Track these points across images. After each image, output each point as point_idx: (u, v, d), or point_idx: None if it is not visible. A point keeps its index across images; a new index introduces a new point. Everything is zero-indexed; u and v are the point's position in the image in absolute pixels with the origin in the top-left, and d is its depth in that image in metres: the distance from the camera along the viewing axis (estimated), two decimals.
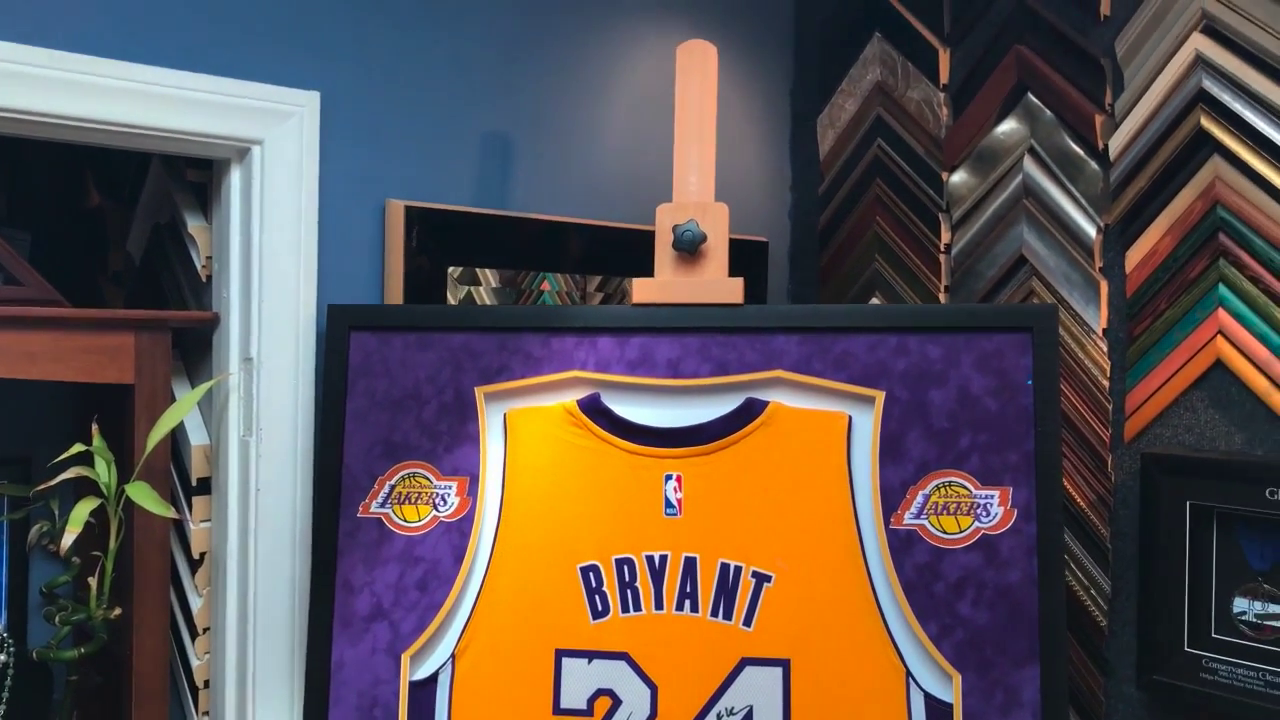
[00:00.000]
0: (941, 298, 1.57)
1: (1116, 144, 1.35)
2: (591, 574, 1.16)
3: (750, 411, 1.17)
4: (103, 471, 1.13)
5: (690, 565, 1.15)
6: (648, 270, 1.26)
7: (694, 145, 1.24)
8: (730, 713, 1.12)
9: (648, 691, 1.14)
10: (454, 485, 1.19)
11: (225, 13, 1.19)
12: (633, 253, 1.48)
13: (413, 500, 1.19)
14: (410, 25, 1.34)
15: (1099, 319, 1.38)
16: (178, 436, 1.29)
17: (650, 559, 1.16)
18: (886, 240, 1.64)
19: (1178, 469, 1.26)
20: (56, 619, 1.18)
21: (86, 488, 1.15)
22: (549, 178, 1.49)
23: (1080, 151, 1.40)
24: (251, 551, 1.22)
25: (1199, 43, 1.26)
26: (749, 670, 1.13)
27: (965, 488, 1.13)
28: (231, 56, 1.19)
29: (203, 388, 1.22)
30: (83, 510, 1.10)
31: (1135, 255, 1.34)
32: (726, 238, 1.22)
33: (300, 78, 1.24)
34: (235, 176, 1.23)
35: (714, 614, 1.14)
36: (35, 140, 1.12)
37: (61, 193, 1.70)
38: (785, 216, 1.83)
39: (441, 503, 1.19)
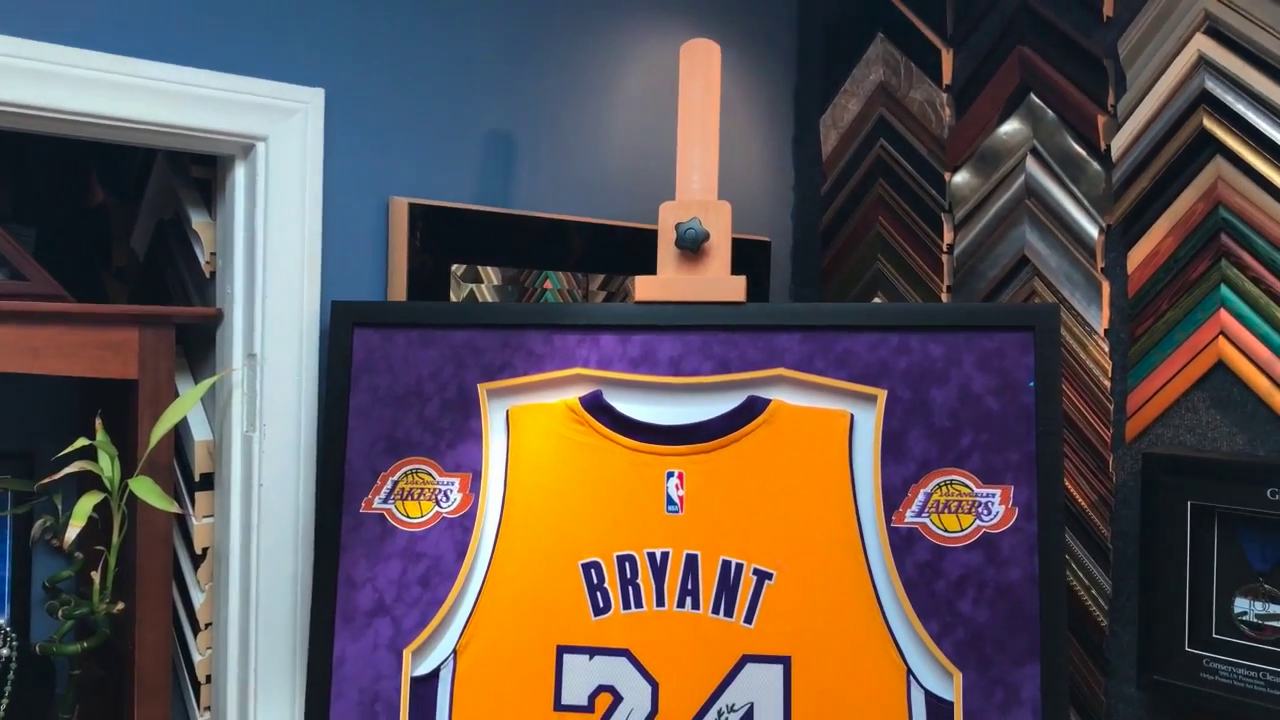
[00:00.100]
0: (944, 298, 1.57)
1: (1119, 145, 1.35)
2: (593, 571, 1.16)
3: (752, 409, 1.18)
4: (106, 466, 1.13)
5: (692, 562, 1.15)
6: (651, 269, 1.26)
7: (697, 144, 1.24)
8: (731, 710, 1.13)
9: (648, 688, 1.14)
10: (456, 481, 1.19)
11: (230, 9, 1.19)
12: (636, 251, 1.49)
13: (415, 496, 1.19)
14: (414, 23, 1.34)
15: (1101, 319, 1.38)
16: (181, 432, 1.30)
17: (652, 556, 1.16)
18: (889, 240, 1.64)
19: (1179, 469, 1.26)
20: (59, 613, 1.18)
21: (90, 483, 1.15)
22: (552, 176, 1.50)
23: (1082, 152, 1.40)
24: (254, 547, 1.22)
25: (1201, 44, 1.26)
26: (750, 667, 1.13)
27: (966, 486, 1.13)
28: (236, 53, 1.19)
29: (206, 383, 1.22)
30: (86, 504, 1.10)
31: (1137, 256, 1.34)
32: (729, 236, 1.23)
33: (305, 74, 1.24)
34: (239, 173, 1.23)
35: (715, 611, 1.14)
36: (40, 136, 1.12)
37: (66, 189, 1.70)
38: (788, 216, 1.83)
39: (444, 499, 1.19)
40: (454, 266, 1.37)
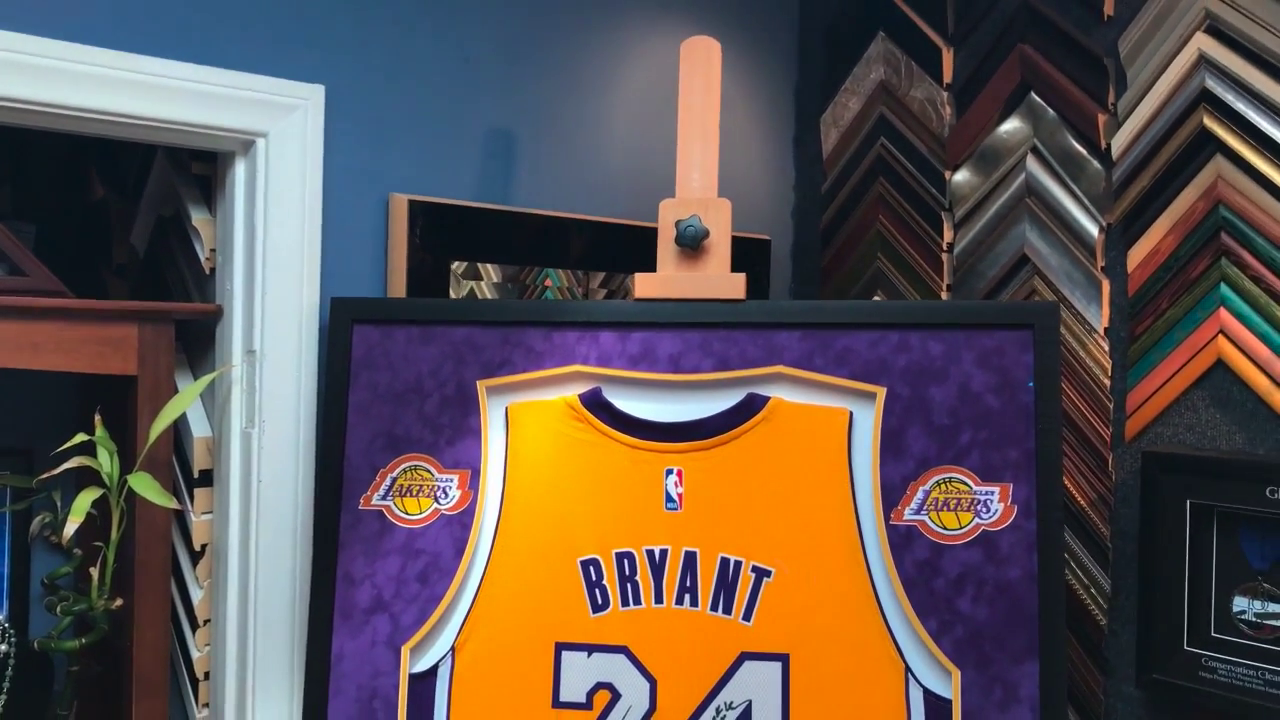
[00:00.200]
0: (944, 296, 1.57)
1: (1119, 143, 1.35)
2: (592, 568, 1.16)
3: (751, 407, 1.18)
4: (105, 462, 1.13)
5: (690, 560, 1.15)
6: (651, 267, 1.26)
7: (697, 141, 1.24)
8: (729, 707, 1.13)
9: (647, 685, 1.14)
10: (455, 478, 1.19)
11: (231, 5, 1.19)
12: (636, 249, 1.49)
13: (414, 493, 1.19)
14: (415, 20, 1.34)
15: (1101, 318, 1.38)
16: (180, 428, 1.30)
17: (650, 553, 1.16)
18: (889, 239, 1.64)
19: (1178, 468, 1.26)
20: (58, 609, 1.18)
21: (89, 479, 1.15)
22: (552, 173, 1.50)
23: (1083, 151, 1.40)
24: (253, 543, 1.22)
25: (1202, 42, 1.26)
26: (748, 665, 1.13)
27: (965, 484, 1.13)
28: (237, 49, 1.19)
29: (205, 379, 1.22)
30: (85, 500, 1.10)
31: (1137, 254, 1.34)
32: (729, 233, 1.23)
33: (305, 71, 1.24)
34: (239, 169, 1.23)
35: (714, 608, 1.14)
36: (40, 132, 1.12)
37: (66, 185, 1.70)
38: (788, 215, 1.83)
39: (443, 495, 1.19)
40: (454, 264, 1.37)
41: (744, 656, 1.13)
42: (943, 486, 1.13)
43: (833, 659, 1.12)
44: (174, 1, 1.15)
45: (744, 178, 1.74)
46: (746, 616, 1.14)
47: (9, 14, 1.04)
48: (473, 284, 1.39)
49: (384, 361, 1.22)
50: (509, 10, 1.43)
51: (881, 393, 1.16)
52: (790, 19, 1.81)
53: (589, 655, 1.15)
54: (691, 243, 1.21)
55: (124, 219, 1.58)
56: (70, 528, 1.09)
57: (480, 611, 1.16)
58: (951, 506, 1.13)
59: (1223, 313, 1.26)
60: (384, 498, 1.20)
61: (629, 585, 1.16)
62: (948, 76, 1.58)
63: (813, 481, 1.15)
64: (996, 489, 1.12)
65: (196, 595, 1.29)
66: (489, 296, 1.41)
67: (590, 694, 1.14)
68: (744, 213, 1.66)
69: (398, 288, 1.32)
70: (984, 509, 1.12)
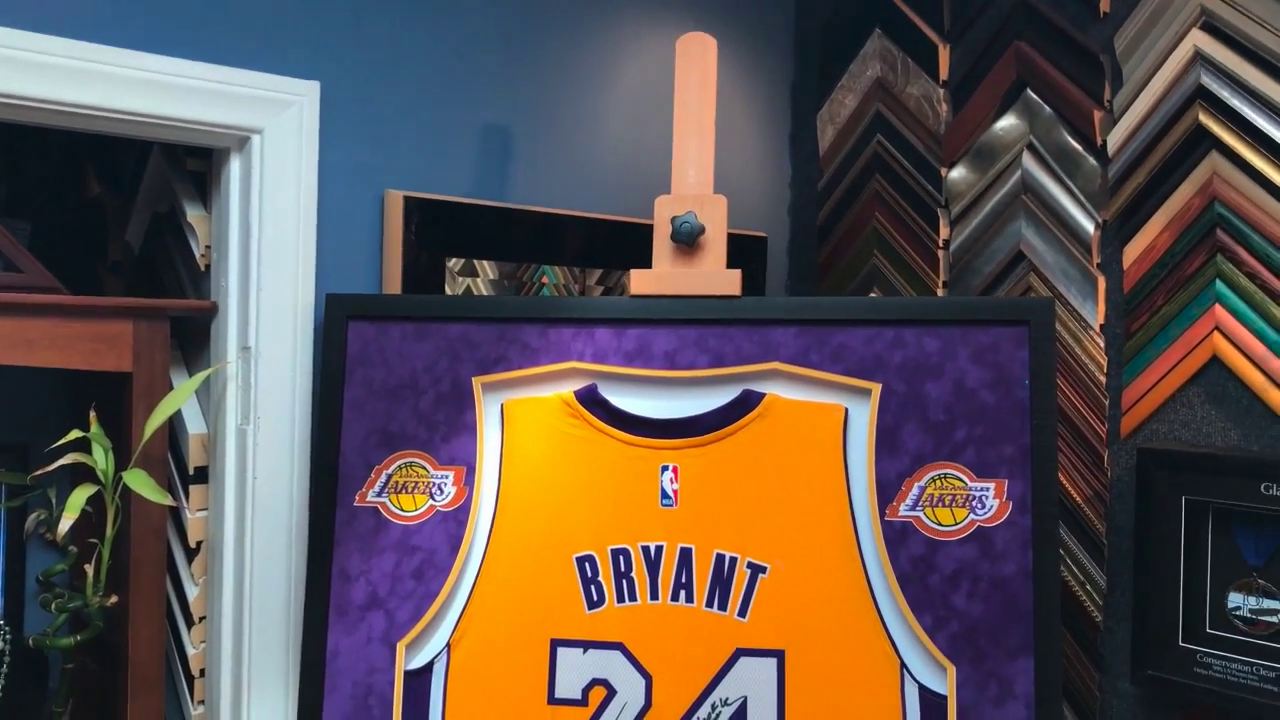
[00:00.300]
0: (940, 293, 1.57)
1: (1115, 140, 1.35)
2: (587, 564, 1.16)
3: (747, 403, 1.18)
4: (100, 458, 1.13)
5: (686, 556, 1.15)
6: (647, 264, 1.26)
7: (693, 138, 1.24)
8: (725, 703, 1.13)
9: (642, 681, 1.14)
10: (451, 475, 1.19)
11: (226, 1, 1.19)
12: (632, 246, 1.48)
13: (409, 489, 1.19)
14: (410, 16, 1.34)
15: (1096, 315, 1.38)
16: (175, 425, 1.30)
17: (646, 549, 1.16)
18: (885, 236, 1.64)
19: (1174, 464, 1.26)
20: (53, 606, 1.18)
21: (84, 476, 1.15)
22: (549, 170, 1.49)
23: (1079, 147, 1.40)
24: (248, 540, 1.22)
25: (1198, 39, 1.26)
26: (744, 661, 1.13)
27: (961, 480, 1.13)
28: (232, 45, 1.19)
29: (200, 376, 1.22)
30: (80, 497, 1.10)
31: (1133, 251, 1.34)
32: (725, 230, 1.23)
33: (300, 67, 1.24)
34: (235, 166, 1.23)
35: (709, 605, 1.14)
36: (35, 128, 1.12)
37: (61, 182, 1.70)
38: (784, 212, 1.83)
39: (438, 492, 1.19)
40: (450, 261, 1.37)
41: (739, 653, 1.13)
42: (938, 483, 1.13)
43: (828, 655, 1.12)
44: None
45: (740, 174, 1.74)
46: (742, 613, 1.14)
47: (2, 10, 1.04)
48: (469, 281, 1.39)
49: (379, 358, 1.22)
50: (505, 6, 1.43)
51: (877, 389, 1.16)
52: (786, 15, 1.81)
53: (584, 652, 1.15)
54: (687, 239, 1.21)
55: (119, 215, 1.58)
56: (65, 524, 1.09)
57: (476, 608, 1.16)
58: (946, 503, 1.13)
59: (1218, 309, 1.26)
60: (379, 494, 1.19)
61: (624, 582, 1.16)
62: (944, 73, 1.58)
63: (808, 478, 1.15)
64: (991, 485, 1.12)
65: (192, 592, 1.28)
66: (485, 293, 1.40)
67: (586, 690, 1.14)
68: (740, 209, 1.66)
69: (393, 285, 1.32)
70: (979, 505, 1.12)
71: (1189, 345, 1.29)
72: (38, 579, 1.27)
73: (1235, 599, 1.24)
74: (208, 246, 1.29)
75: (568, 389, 1.20)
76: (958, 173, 1.54)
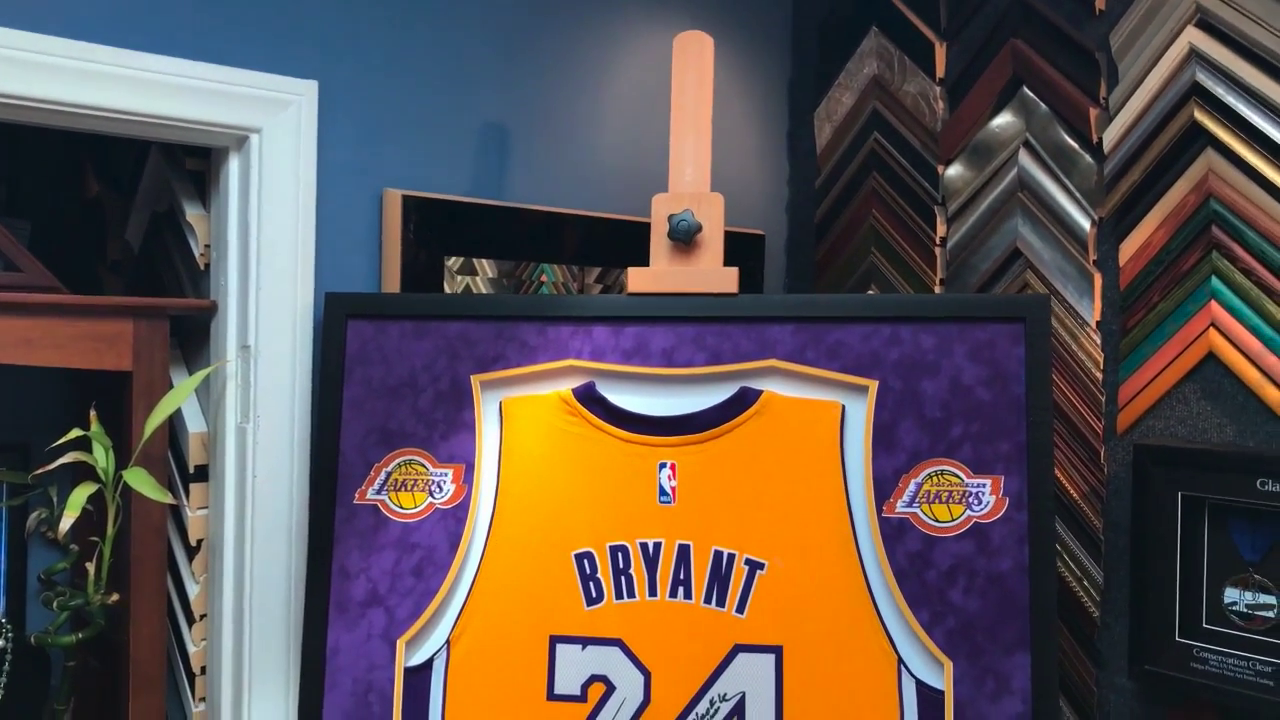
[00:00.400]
0: (937, 290, 1.58)
1: (1111, 137, 1.36)
2: (586, 561, 1.17)
3: (744, 400, 1.18)
4: (101, 457, 1.14)
5: (684, 552, 1.16)
6: (645, 262, 1.26)
7: (690, 136, 1.24)
8: (723, 699, 1.13)
9: (641, 678, 1.14)
10: (450, 472, 1.20)
11: (225, 1, 1.19)
12: (631, 244, 1.49)
13: (409, 487, 1.20)
14: (408, 15, 1.34)
15: (1093, 311, 1.38)
16: (175, 424, 1.30)
17: (644, 546, 1.16)
18: (882, 233, 1.65)
19: (1170, 460, 1.27)
20: (54, 604, 1.18)
21: (84, 474, 1.16)
22: (546, 169, 1.50)
23: (1075, 145, 1.40)
24: (248, 538, 1.23)
25: (1193, 36, 1.27)
26: (742, 657, 1.14)
27: (957, 476, 1.13)
28: (230, 45, 1.19)
29: (200, 375, 1.22)
30: (81, 495, 1.10)
31: (1129, 248, 1.35)
32: (722, 228, 1.23)
33: (299, 67, 1.24)
34: (233, 165, 1.24)
35: (707, 601, 1.15)
36: (34, 128, 1.12)
37: (61, 182, 1.70)
38: (782, 210, 1.83)
39: (437, 490, 1.19)
40: (449, 260, 1.37)
41: (738, 649, 1.14)
42: (934, 479, 1.14)
43: (826, 651, 1.13)
44: None
45: (738, 173, 1.75)
46: (740, 609, 1.14)
47: (2, 10, 1.04)
48: (468, 279, 1.40)
49: (378, 356, 1.22)
50: (503, 5, 1.43)
51: (874, 386, 1.16)
52: (784, 14, 1.81)
53: (583, 648, 1.15)
54: (684, 237, 1.22)
55: (119, 215, 1.58)
56: (66, 523, 1.10)
57: (475, 605, 1.17)
58: (943, 499, 1.13)
59: (1214, 306, 1.26)
60: (379, 492, 1.20)
61: (623, 578, 1.16)
62: (940, 71, 1.58)
63: (805, 474, 1.16)
64: (988, 481, 1.13)
65: (192, 590, 1.29)
66: (484, 292, 1.41)
67: (585, 686, 1.15)
68: (738, 207, 1.66)
69: (392, 283, 1.32)
70: (975, 501, 1.13)
71: (1185, 341, 1.29)
72: (39, 577, 1.27)
73: (1231, 594, 1.24)
74: (207, 246, 1.29)
75: (566, 387, 1.20)
76: (954, 170, 1.55)
